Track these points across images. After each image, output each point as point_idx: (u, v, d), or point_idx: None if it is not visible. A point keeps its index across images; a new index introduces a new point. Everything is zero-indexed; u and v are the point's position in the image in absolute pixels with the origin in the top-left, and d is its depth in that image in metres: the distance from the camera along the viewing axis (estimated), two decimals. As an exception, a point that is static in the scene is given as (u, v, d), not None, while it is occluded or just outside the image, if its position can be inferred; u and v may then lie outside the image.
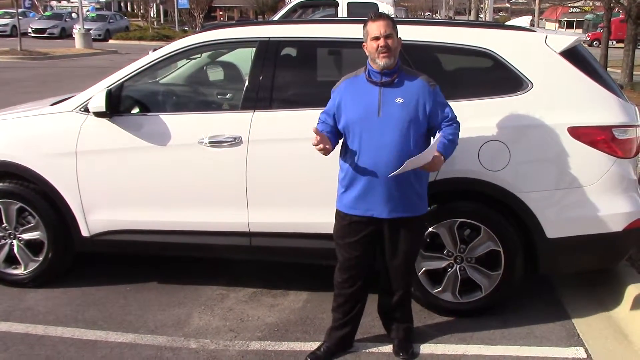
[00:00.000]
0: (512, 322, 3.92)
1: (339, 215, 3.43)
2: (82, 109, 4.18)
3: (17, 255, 4.40)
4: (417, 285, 3.92)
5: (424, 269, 3.91)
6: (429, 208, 3.52)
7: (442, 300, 3.96)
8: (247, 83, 4.13)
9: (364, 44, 3.35)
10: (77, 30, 29.54)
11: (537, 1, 29.74)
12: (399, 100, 3.25)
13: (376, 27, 3.24)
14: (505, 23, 4.75)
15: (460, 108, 3.70)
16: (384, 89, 3.28)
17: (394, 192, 3.28)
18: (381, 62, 3.24)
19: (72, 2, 49.83)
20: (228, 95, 4.74)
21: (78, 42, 28.19)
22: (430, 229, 3.82)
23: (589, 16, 40.43)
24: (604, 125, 3.71)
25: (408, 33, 3.80)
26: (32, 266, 4.40)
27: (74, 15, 38.65)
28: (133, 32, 37.50)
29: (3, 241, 4.41)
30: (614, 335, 3.79)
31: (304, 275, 4.52)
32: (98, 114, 4.05)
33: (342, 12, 12.40)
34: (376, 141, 3.22)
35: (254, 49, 4.13)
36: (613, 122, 3.72)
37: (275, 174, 3.96)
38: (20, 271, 4.42)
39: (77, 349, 3.63)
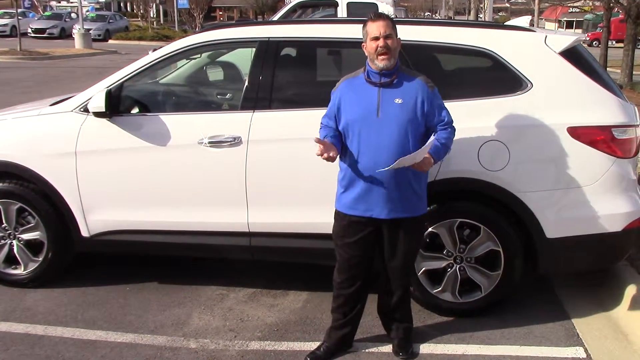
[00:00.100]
0: (511, 322, 3.93)
1: (338, 215, 3.43)
2: (82, 109, 4.19)
3: (17, 255, 4.40)
4: (417, 285, 3.93)
5: (423, 269, 3.92)
6: (428, 208, 3.53)
7: (441, 300, 3.97)
8: (246, 83, 4.13)
9: (363, 44, 3.35)
10: (76, 31, 29.56)
11: (536, 1, 29.72)
12: (398, 100, 3.25)
13: (376, 28, 3.24)
14: (505, 23, 4.75)
15: (460, 108, 3.72)
16: (383, 89, 3.28)
17: (393, 193, 3.28)
18: (380, 62, 3.24)
19: (71, 2, 49.84)
20: (228, 96, 4.74)
21: (78, 42, 28.20)
22: (430, 229, 3.82)
23: (588, 16, 40.45)
24: (603, 125, 3.71)
25: (408, 33, 3.81)
26: (32, 266, 4.40)
27: (73, 15, 38.66)
28: (133, 32, 37.50)
29: (3, 241, 4.42)
30: (613, 335, 3.79)
31: (303, 275, 4.52)
32: (98, 114, 4.06)
33: (342, 12, 12.41)
34: (375, 142, 3.23)
35: (254, 49, 4.13)
36: (612, 122, 3.72)
37: (275, 174, 3.96)
38: (20, 271, 4.42)
39: (77, 349, 3.63)
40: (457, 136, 3.49)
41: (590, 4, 26.22)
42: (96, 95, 4.04)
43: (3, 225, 4.39)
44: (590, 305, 4.16)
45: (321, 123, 3.44)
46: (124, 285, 4.48)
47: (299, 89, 4.19)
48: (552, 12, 42.91)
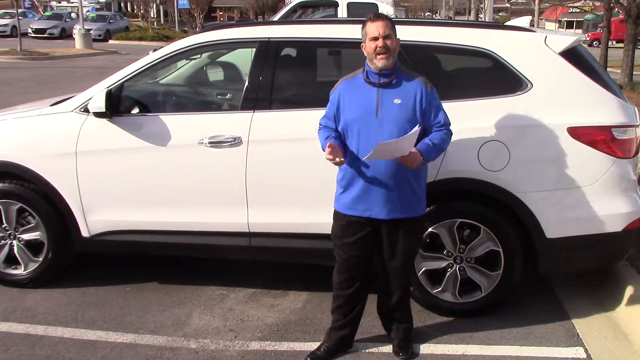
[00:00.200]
0: (511, 322, 3.93)
1: (337, 215, 3.42)
2: (82, 110, 4.19)
3: (17, 255, 4.40)
4: (417, 285, 3.93)
5: (423, 269, 3.92)
6: (427, 209, 3.53)
7: (441, 300, 3.97)
8: (247, 83, 4.13)
9: (362, 44, 3.35)
10: (77, 31, 29.55)
11: (536, 1, 29.71)
12: (397, 101, 3.25)
13: (375, 28, 3.24)
14: (505, 23, 4.75)
15: (460, 108, 3.72)
16: (382, 89, 3.28)
17: (392, 193, 3.28)
18: (379, 62, 3.24)
19: (72, 3, 49.84)
20: (228, 96, 4.74)
21: (78, 43, 28.21)
22: (430, 229, 3.82)
23: (588, 16, 40.45)
24: (603, 126, 3.71)
25: (408, 33, 3.82)
26: (32, 266, 4.40)
27: (73, 15, 38.64)
28: (133, 33, 37.50)
29: (3, 241, 4.42)
30: (613, 335, 3.79)
31: (303, 276, 4.52)
32: (98, 115, 4.06)
33: (342, 12, 12.41)
34: (374, 142, 3.21)
35: (254, 49, 4.13)
36: (612, 122, 3.72)
37: (275, 174, 3.96)
38: (20, 271, 4.43)
39: (77, 349, 3.64)
40: (457, 136, 3.50)
41: (591, 4, 26.21)
42: (96, 96, 4.04)
43: (3, 226, 4.39)
44: (590, 305, 4.16)
45: (320, 124, 3.44)
46: (124, 285, 4.49)
47: (299, 89, 4.19)
48: (552, 12, 42.89)
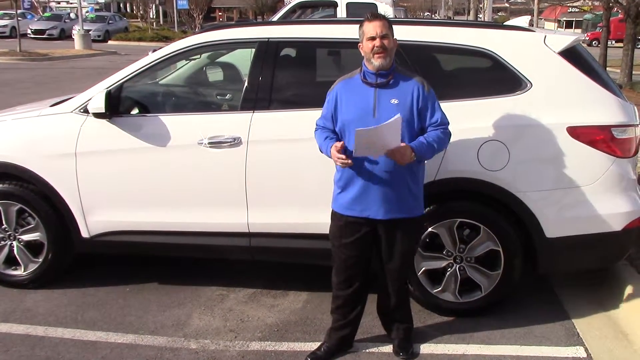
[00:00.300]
0: (511, 322, 3.93)
1: (335, 216, 3.42)
2: (82, 110, 4.19)
3: (17, 256, 4.40)
4: (417, 285, 3.93)
5: (423, 268, 3.92)
6: (426, 209, 3.52)
7: (441, 300, 3.97)
8: (246, 84, 4.13)
9: (359, 44, 3.34)
10: (76, 31, 29.52)
11: (536, 1, 29.74)
12: (394, 101, 3.25)
13: (372, 28, 3.24)
14: (504, 23, 4.75)
15: (460, 108, 3.72)
16: (379, 90, 3.27)
17: (389, 193, 3.27)
18: (376, 62, 3.23)
19: (71, 3, 49.83)
20: (227, 96, 4.75)
21: (77, 43, 28.20)
22: (429, 229, 3.82)
23: (588, 16, 40.46)
24: (602, 125, 3.71)
25: (407, 33, 3.82)
26: (32, 267, 4.40)
27: (73, 16, 38.62)
28: (132, 33, 37.50)
29: (3, 242, 4.42)
30: (613, 334, 3.79)
31: (303, 276, 4.52)
32: (98, 115, 4.06)
33: (341, 12, 12.40)
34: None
35: (254, 50, 4.14)
36: (612, 122, 3.72)
37: (274, 174, 3.96)
38: (20, 272, 4.42)
39: (77, 350, 3.64)
40: (456, 136, 3.50)
41: (590, 3, 26.22)
42: (96, 96, 4.04)
43: (3, 227, 4.39)
44: (590, 304, 4.16)
45: (317, 124, 3.44)
46: (123, 286, 4.48)
47: (299, 90, 4.19)
48: (551, 12, 42.94)
